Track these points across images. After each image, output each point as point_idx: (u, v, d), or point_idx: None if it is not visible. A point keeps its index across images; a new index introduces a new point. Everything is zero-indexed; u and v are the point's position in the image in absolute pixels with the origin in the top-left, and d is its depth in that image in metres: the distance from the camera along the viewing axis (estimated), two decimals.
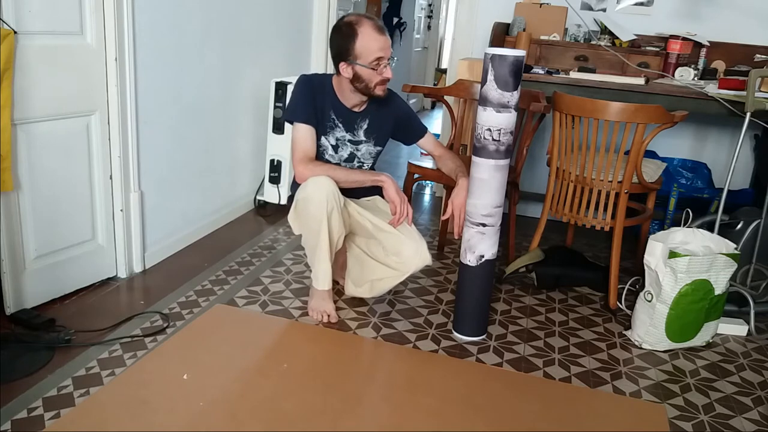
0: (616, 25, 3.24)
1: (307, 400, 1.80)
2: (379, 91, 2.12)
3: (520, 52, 1.93)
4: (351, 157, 2.27)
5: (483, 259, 2.11)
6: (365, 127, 2.24)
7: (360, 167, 2.30)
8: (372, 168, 2.35)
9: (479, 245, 2.10)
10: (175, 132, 2.67)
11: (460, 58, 3.28)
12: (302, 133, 2.14)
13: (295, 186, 2.23)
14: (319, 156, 2.21)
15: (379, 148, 2.32)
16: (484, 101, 1.98)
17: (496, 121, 1.98)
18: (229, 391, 1.80)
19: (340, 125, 2.20)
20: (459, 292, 2.20)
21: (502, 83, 1.94)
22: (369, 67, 2.06)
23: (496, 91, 1.94)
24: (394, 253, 2.20)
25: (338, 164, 2.24)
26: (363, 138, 2.25)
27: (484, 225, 2.07)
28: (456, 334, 2.23)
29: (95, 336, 2.04)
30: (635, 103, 2.32)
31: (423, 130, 2.40)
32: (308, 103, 2.14)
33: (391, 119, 2.30)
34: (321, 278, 2.20)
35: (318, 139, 2.18)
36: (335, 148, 2.23)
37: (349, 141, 2.24)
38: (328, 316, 2.26)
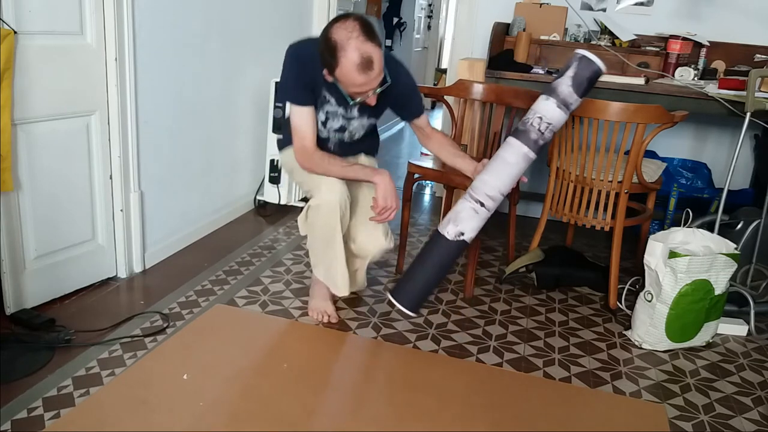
0: (616, 25, 3.24)
1: (307, 400, 1.80)
2: (364, 100, 1.96)
3: (602, 65, 1.94)
4: (341, 129, 2.14)
5: (461, 237, 1.97)
6: (359, 104, 2.06)
7: (351, 138, 2.19)
8: (363, 137, 2.24)
9: (466, 222, 1.97)
10: (175, 132, 2.67)
11: (460, 58, 3.27)
12: (301, 117, 2.02)
13: (284, 140, 2.22)
14: None
15: (372, 121, 2.20)
16: (551, 92, 1.94)
17: (551, 115, 1.93)
18: (229, 391, 1.80)
19: (332, 100, 2.07)
20: (417, 258, 2.03)
21: (577, 84, 1.91)
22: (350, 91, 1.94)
23: (568, 87, 1.91)
24: (351, 239, 2.19)
25: (328, 139, 2.15)
26: (356, 114, 2.13)
27: (482, 204, 1.96)
28: (389, 295, 2.09)
29: (95, 336, 2.04)
30: (635, 103, 2.32)
31: (421, 110, 2.24)
32: (300, 81, 1.99)
33: (391, 96, 2.09)
34: (340, 284, 2.15)
35: None
36: (325, 122, 2.11)
37: (342, 115, 2.10)
38: (329, 316, 2.25)
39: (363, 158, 2.31)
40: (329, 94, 2.06)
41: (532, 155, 1.96)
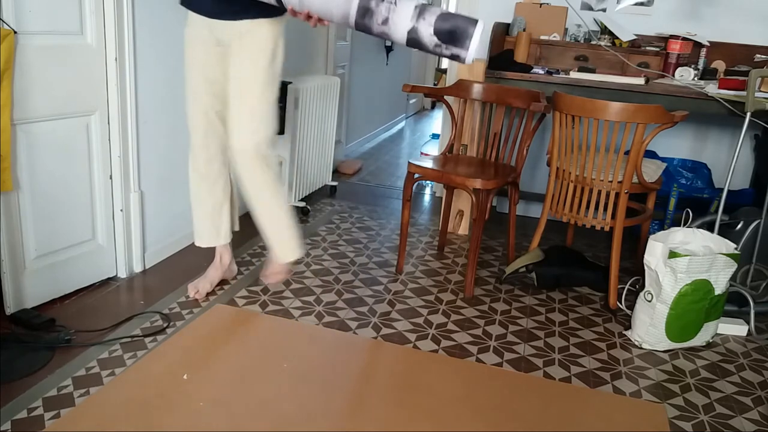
0: (616, 25, 3.24)
1: (307, 400, 1.80)
2: None
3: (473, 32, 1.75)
4: None
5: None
6: None
7: None
8: None
9: None
10: (175, 132, 2.67)
11: None
12: None
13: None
14: None
15: None
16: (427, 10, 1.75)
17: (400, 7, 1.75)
18: (229, 391, 1.80)
19: None
20: None
21: (441, 24, 1.75)
22: None
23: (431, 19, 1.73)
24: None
25: None
26: None
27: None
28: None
29: (95, 336, 2.04)
30: (635, 103, 2.33)
31: None
32: None
33: None
34: (196, 233, 2.33)
35: None
36: None
37: None
38: (196, 292, 2.32)
39: (249, 40, 2.05)
40: None
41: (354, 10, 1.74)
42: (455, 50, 1.72)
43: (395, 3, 1.71)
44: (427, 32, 1.70)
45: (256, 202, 2.20)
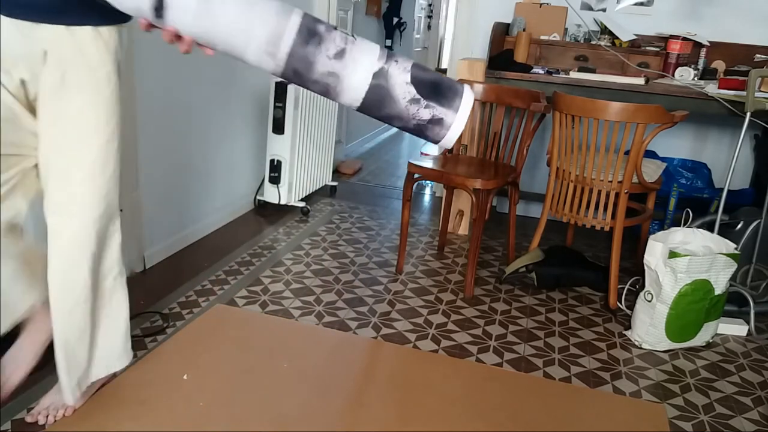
0: (616, 25, 3.23)
1: (307, 400, 1.80)
2: None
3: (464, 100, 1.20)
4: None
5: None
6: None
7: None
8: None
9: None
10: (175, 132, 2.67)
11: (460, 58, 3.27)
12: None
13: None
14: None
15: None
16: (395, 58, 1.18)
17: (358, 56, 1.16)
18: (229, 391, 1.80)
19: None
20: None
21: (418, 77, 1.19)
22: None
23: (405, 72, 1.17)
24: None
25: None
26: None
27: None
28: None
29: None
30: (635, 103, 2.32)
31: None
32: None
33: None
34: None
35: None
36: None
37: None
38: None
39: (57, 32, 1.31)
40: None
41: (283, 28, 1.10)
42: (439, 110, 1.14)
43: (354, 36, 1.15)
44: (400, 79, 1.13)
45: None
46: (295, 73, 1.11)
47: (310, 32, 1.08)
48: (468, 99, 1.14)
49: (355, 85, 1.11)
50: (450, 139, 1.15)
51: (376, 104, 1.13)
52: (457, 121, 1.13)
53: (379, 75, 1.10)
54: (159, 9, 1.08)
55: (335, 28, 1.12)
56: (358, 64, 1.11)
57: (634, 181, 2.43)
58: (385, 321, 2.31)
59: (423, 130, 1.15)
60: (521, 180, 2.99)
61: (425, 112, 1.13)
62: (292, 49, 1.08)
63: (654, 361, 2.18)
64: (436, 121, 1.13)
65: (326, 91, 1.14)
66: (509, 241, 2.87)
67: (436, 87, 1.13)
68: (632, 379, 2.05)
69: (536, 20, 3.26)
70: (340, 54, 1.09)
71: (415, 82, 1.12)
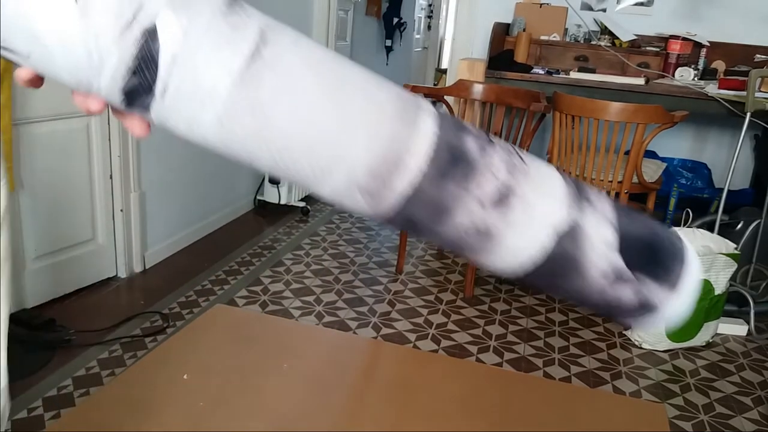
0: (616, 25, 3.24)
1: (307, 400, 1.80)
2: None
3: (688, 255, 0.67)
4: None
5: None
6: None
7: None
8: None
9: None
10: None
11: (460, 58, 3.28)
12: None
13: None
14: None
15: None
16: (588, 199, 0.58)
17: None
18: (229, 391, 1.80)
19: None
20: None
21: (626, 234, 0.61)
22: None
23: (612, 231, 0.56)
24: None
25: None
26: None
27: None
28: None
29: (95, 336, 2.04)
30: (635, 103, 2.33)
31: None
32: None
33: None
34: None
35: None
36: None
37: None
38: None
39: None
40: None
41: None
42: (650, 288, 0.53)
43: (522, 154, 0.52)
44: (597, 238, 0.51)
45: None
46: (411, 224, 0.54)
47: (454, 155, 0.50)
48: (695, 268, 0.55)
49: (521, 246, 0.55)
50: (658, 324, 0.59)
51: (546, 277, 0.56)
52: (676, 309, 0.56)
53: (568, 235, 0.53)
54: (139, 95, 0.42)
55: (491, 141, 0.52)
56: (531, 215, 0.54)
57: (634, 181, 2.43)
58: (385, 321, 2.31)
59: (612, 314, 0.59)
60: None
61: (626, 290, 0.57)
62: (415, 188, 0.50)
63: (654, 360, 2.18)
64: (643, 306, 0.58)
65: (460, 249, 0.57)
66: None
67: (652, 249, 0.57)
68: (632, 379, 2.05)
69: (536, 20, 3.26)
70: (503, 197, 0.52)
71: (624, 242, 0.56)
